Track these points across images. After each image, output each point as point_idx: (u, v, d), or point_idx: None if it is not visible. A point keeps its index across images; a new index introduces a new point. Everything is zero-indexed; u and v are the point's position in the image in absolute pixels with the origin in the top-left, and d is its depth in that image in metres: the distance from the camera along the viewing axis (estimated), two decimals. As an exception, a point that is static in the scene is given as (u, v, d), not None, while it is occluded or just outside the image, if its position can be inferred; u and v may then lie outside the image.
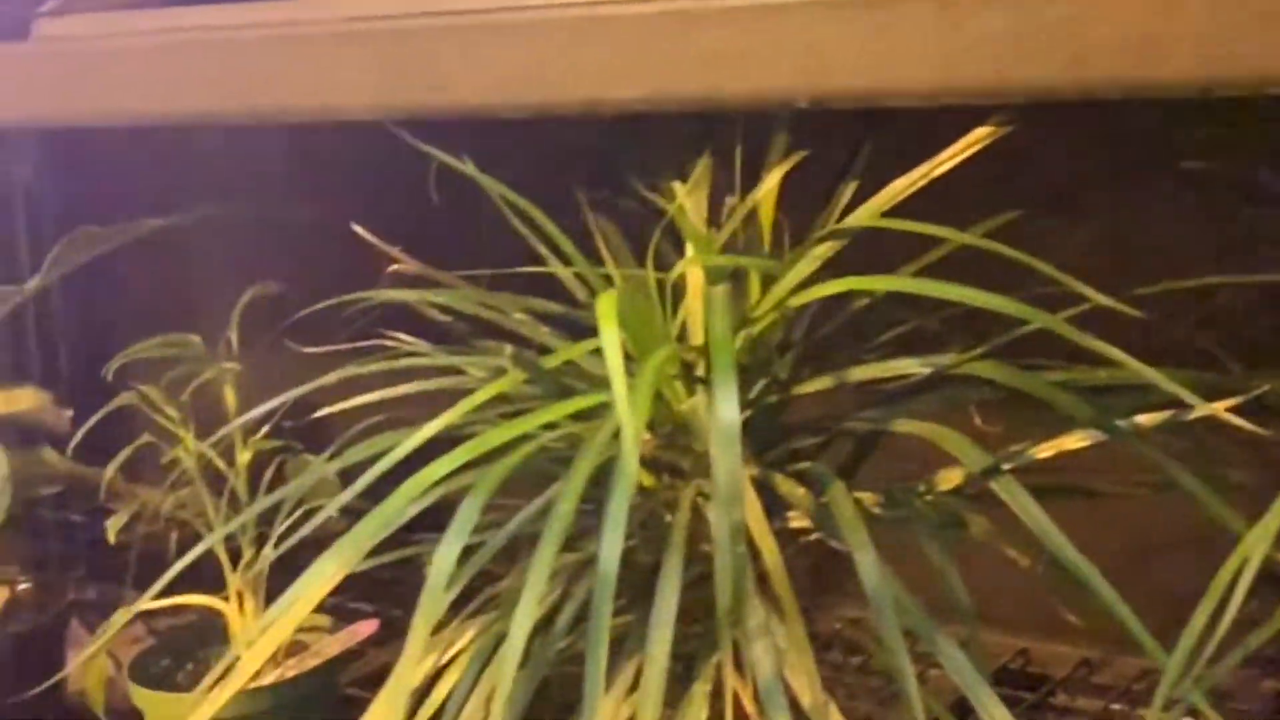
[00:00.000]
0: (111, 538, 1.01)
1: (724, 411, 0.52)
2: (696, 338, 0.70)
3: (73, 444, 1.06)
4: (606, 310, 0.60)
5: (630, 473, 0.56)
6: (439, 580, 0.57)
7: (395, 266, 0.79)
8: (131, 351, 1.05)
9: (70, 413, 1.33)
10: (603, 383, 0.71)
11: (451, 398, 0.79)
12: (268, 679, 1.00)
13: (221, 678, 1.02)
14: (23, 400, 1.34)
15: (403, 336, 0.81)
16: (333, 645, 1.01)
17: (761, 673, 0.58)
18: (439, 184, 0.79)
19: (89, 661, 1.07)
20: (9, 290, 1.16)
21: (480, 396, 0.65)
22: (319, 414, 0.86)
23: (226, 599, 1.04)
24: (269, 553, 1.03)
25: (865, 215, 0.66)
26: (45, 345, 1.71)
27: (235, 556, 1.04)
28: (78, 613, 1.26)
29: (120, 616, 1.07)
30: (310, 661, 1.00)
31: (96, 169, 1.73)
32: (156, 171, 1.64)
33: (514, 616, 0.54)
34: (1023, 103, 0.58)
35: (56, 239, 1.77)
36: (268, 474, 1.06)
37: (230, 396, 1.05)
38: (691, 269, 0.70)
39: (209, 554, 1.32)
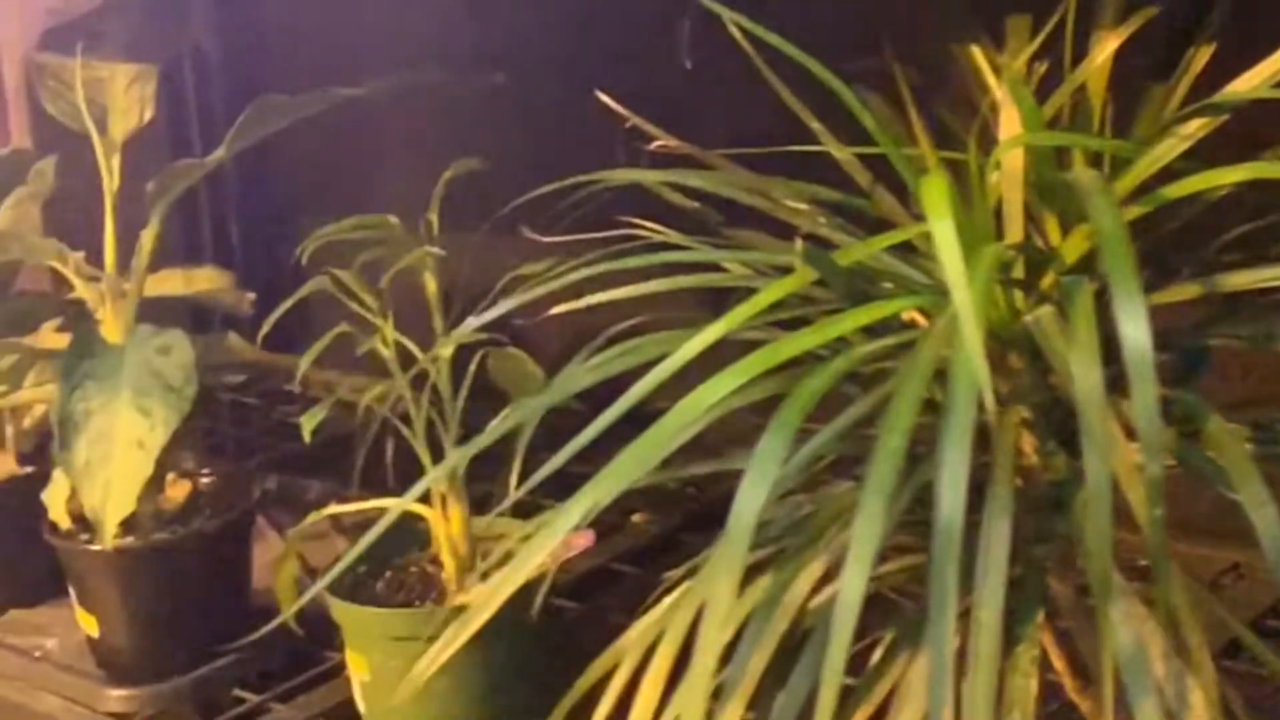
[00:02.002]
0: (307, 435, 0.93)
1: (1132, 330, 0.41)
2: (1013, 234, 0.59)
3: (264, 331, 0.98)
4: (935, 196, 0.50)
5: (971, 388, 0.46)
6: (742, 529, 0.47)
7: (657, 143, 0.69)
8: (326, 233, 0.97)
9: (253, 295, 1.26)
10: (904, 284, 0.61)
11: (701, 298, 0.69)
12: (473, 593, 0.92)
13: (438, 598, 0.96)
14: (201, 280, 1.27)
15: (646, 224, 0.71)
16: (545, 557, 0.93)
17: (1122, 642, 0.48)
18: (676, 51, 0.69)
19: (278, 562, 1.00)
20: (190, 164, 1.07)
21: (767, 298, 0.55)
22: (555, 311, 0.76)
23: (428, 502, 0.96)
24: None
25: (1249, 85, 0.54)
26: (218, 224, 1.65)
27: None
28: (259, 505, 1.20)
29: (314, 518, 1.00)
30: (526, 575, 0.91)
31: (267, 37, 1.64)
32: (332, 39, 1.55)
33: (845, 573, 0.44)
34: None
35: (227, 112, 1.70)
36: (471, 368, 0.97)
37: (431, 284, 0.97)
38: (1009, 154, 0.58)
39: (401, 450, 1.25)
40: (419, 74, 1.09)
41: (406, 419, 0.97)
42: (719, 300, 0.65)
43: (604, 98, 0.70)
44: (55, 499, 1.06)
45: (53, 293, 1.29)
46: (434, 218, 0.97)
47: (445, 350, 0.96)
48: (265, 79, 1.63)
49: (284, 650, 1.08)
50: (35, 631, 1.16)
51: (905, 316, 0.61)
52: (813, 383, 0.50)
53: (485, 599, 0.64)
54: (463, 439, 0.96)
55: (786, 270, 0.59)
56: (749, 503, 0.47)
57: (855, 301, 0.57)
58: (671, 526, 1.24)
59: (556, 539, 0.89)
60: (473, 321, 0.72)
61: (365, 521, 1.07)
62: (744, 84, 0.67)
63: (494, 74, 1.09)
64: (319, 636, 1.03)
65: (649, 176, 0.68)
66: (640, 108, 0.73)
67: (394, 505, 0.98)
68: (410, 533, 1.00)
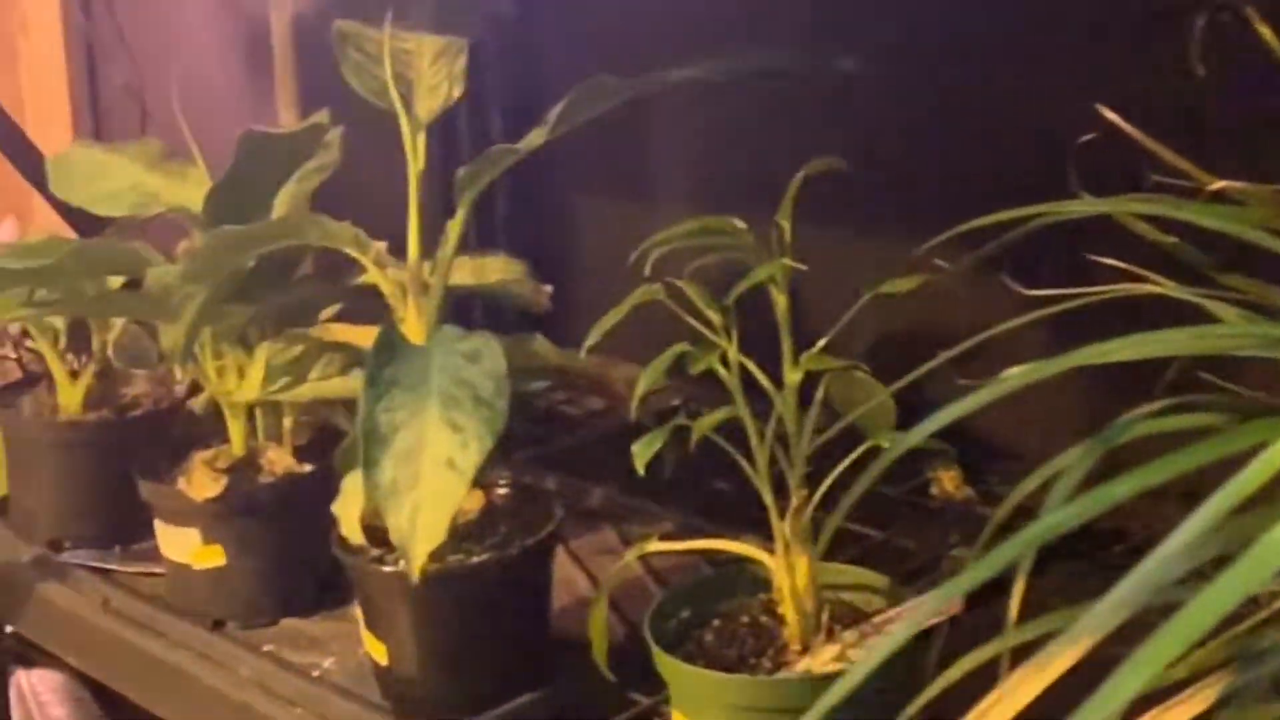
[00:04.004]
0: (641, 466, 0.82)
1: None
2: None
3: (590, 341, 0.87)
4: None
5: None
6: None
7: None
8: (665, 237, 0.86)
9: (550, 288, 1.16)
10: None
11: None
12: (823, 656, 0.81)
13: (776, 656, 0.84)
14: (492, 270, 1.17)
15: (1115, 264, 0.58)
16: (903, 622, 0.81)
17: None
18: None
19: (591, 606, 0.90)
20: (504, 150, 0.97)
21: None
22: (967, 344, 0.64)
23: (769, 548, 0.85)
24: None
25: None
26: (514, 209, 1.55)
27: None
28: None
29: (634, 555, 0.89)
30: (880, 642, 0.79)
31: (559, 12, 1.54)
32: (638, 22, 1.44)
33: None
34: None
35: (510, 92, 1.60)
36: (817, 395, 0.86)
37: (781, 299, 0.85)
38: None
39: (734, 484, 1.13)
40: (759, 57, 0.97)
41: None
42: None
43: (1109, 114, 0.57)
44: (348, 512, 0.97)
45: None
46: (786, 223, 0.85)
47: (794, 376, 0.84)
48: (552, 58, 1.53)
49: (585, 690, 0.98)
50: (312, 646, 1.08)
51: None
52: None
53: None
54: (810, 478, 0.84)
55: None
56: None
57: None
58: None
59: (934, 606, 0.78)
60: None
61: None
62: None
63: (842, 58, 0.97)
64: (625, 676, 0.92)
65: (1128, 208, 0.55)
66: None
67: (729, 549, 0.88)
68: (737, 574, 0.89)
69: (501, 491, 1.03)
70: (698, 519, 1.21)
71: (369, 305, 1.16)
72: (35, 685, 1.58)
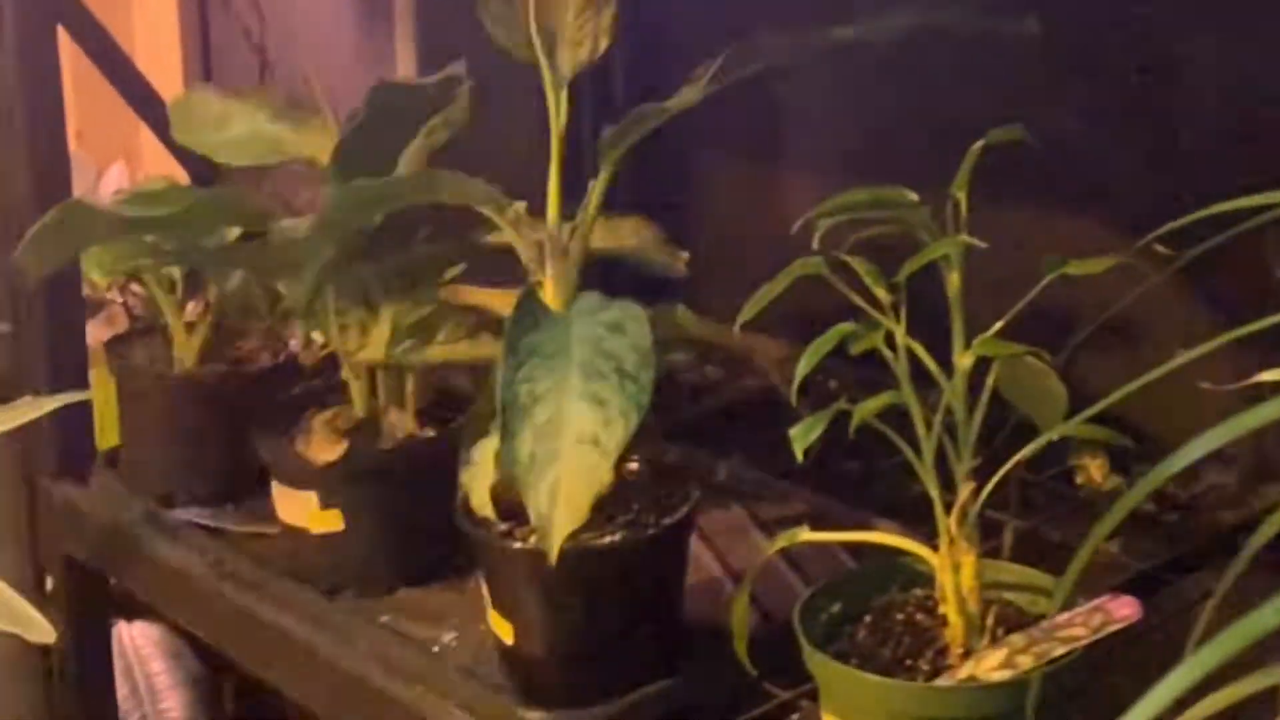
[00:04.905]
0: (800, 452, 0.77)
1: None
2: None
3: (744, 316, 0.82)
4: None
5: None
6: None
7: None
8: (832, 207, 0.80)
9: (686, 254, 1.11)
10: None
11: None
12: (988, 662, 0.75)
13: (935, 659, 0.79)
14: (625, 233, 1.13)
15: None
16: (1077, 628, 0.75)
17: None
18: None
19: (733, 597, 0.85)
20: (652, 108, 0.92)
21: None
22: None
23: (932, 545, 0.80)
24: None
25: None
26: (649, 175, 1.49)
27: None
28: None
29: (784, 542, 0.84)
30: (1054, 649, 0.74)
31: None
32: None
33: None
34: None
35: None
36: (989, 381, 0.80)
37: (954, 279, 0.79)
38: None
39: (863, 463, 1.08)
40: (928, 14, 0.91)
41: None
42: None
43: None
44: (478, 484, 0.93)
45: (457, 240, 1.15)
46: (963, 195, 0.80)
47: (965, 360, 0.79)
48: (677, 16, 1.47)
49: (718, 680, 0.93)
50: (430, 619, 1.04)
51: None
52: None
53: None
54: (981, 471, 0.79)
55: None
56: None
57: None
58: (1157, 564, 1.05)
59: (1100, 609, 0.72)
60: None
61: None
62: None
63: (1026, 19, 0.91)
64: (761, 666, 0.88)
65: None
66: None
67: (890, 542, 0.83)
68: (890, 568, 0.84)
69: (632, 466, 0.98)
70: (827, 498, 1.16)
71: (488, 267, 1.11)
72: (135, 639, 1.56)
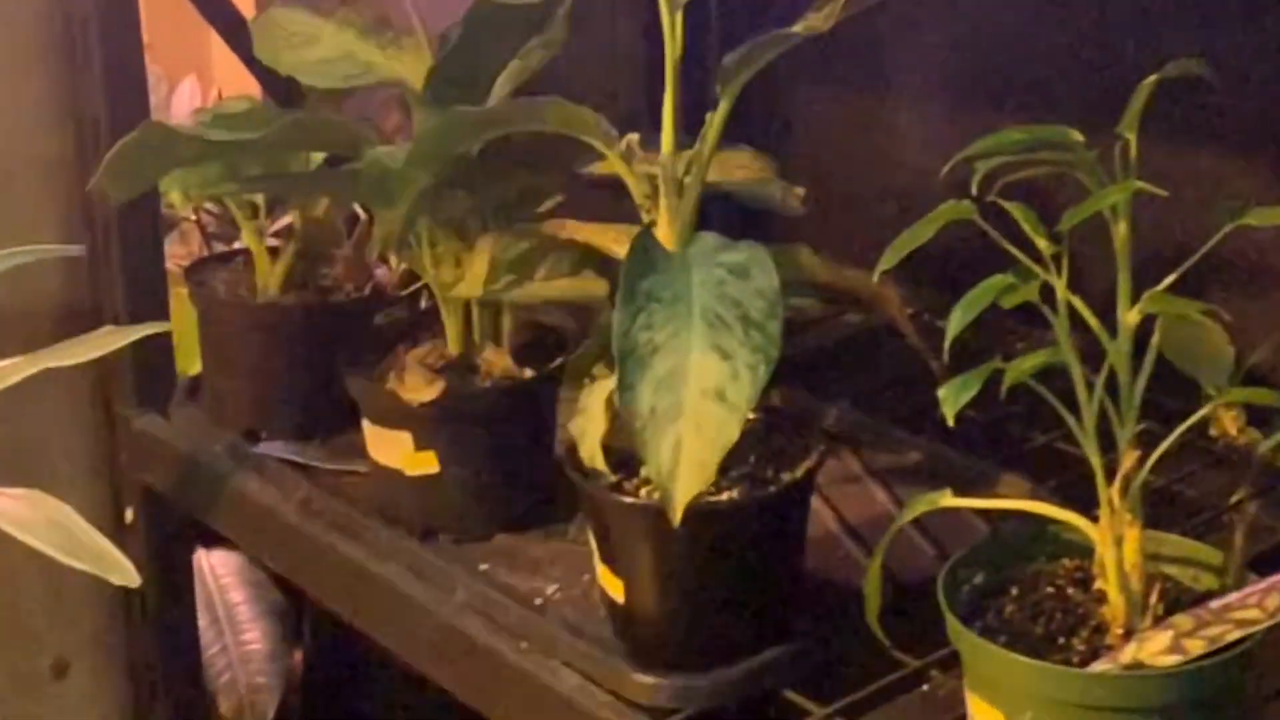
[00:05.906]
0: (951, 416, 0.71)
1: None
2: None
3: (884, 264, 0.76)
4: None
5: None
6: None
7: None
8: (987, 147, 0.74)
9: (804, 191, 1.04)
10: None
11: None
12: (1152, 645, 0.70)
13: (1090, 638, 0.73)
14: (736, 166, 1.06)
15: None
16: (1251, 609, 0.69)
17: None
18: None
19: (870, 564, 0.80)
20: (779, 35, 0.85)
21: None
22: None
23: (1093, 516, 0.74)
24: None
25: None
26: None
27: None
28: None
29: (919, 508, 0.79)
30: (1228, 632, 0.68)
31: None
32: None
33: None
34: None
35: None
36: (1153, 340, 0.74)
37: (1122, 228, 0.73)
38: None
39: (981, 411, 1.02)
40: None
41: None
42: None
43: None
44: (588, 434, 0.87)
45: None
46: (1132, 137, 0.73)
47: (1132, 318, 0.72)
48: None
49: (841, 646, 0.88)
50: (531, 569, 0.99)
51: None
52: None
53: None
54: (1145, 438, 0.73)
55: None
56: None
57: None
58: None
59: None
60: None
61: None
62: None
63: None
64: (886, 632, 0.82)
65: None
66: None
67: (1045, 512, 0.77)
68: (1036, 534, 0.79)
69: (750, 419, 0.92)
70: (943, 447, 1.10)
71: (576, 201, 1.05)
72: (216, 567, 1.53)
